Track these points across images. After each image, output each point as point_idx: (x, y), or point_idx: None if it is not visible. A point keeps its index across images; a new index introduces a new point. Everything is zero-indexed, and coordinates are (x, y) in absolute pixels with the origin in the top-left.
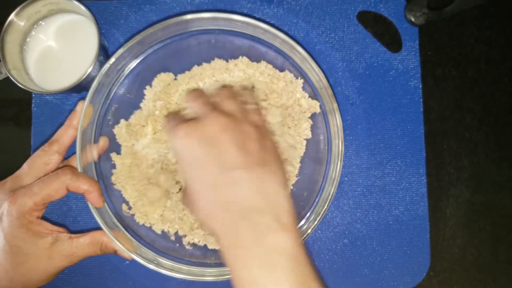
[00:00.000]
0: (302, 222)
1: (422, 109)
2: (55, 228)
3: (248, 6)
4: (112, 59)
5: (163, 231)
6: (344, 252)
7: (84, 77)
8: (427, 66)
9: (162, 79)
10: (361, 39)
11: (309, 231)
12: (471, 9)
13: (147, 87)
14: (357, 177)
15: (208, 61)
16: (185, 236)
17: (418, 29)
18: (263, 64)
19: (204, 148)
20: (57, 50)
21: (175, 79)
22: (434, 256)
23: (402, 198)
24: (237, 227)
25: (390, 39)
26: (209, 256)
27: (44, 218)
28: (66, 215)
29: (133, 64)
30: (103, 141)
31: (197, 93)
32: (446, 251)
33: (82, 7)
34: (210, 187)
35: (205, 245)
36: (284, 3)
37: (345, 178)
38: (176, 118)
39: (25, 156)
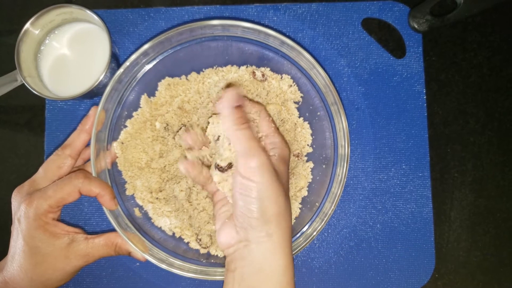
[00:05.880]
0: (309, 224)
1: (426, 114)
2: (71, 229)
3: (255, 14)
4: (125, 65)
5: (173, 233)
6: (350, 254)
7: (96, 83)
8: (430, 71)
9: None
10: (365, 45)
11: (314, 233)
12: (473, 15)
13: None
14: (363, 181)
15: (220, 66)
16: (189, 242)
17: (421, 35)
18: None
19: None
20: (70, 58)
21: (187, 78)
22: (439, 258)
23: (407, 201)
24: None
25: (394, 45)
26: (214, 257)
27: (61, 220)
28: (80, 217)
29: (145, 69)
30: (115, 147)
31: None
32: (450, 254)
33: (95, 16)
34: (274, 185)
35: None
36: (291, 11)
37: (351, 182)
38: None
39: (39, 160)
